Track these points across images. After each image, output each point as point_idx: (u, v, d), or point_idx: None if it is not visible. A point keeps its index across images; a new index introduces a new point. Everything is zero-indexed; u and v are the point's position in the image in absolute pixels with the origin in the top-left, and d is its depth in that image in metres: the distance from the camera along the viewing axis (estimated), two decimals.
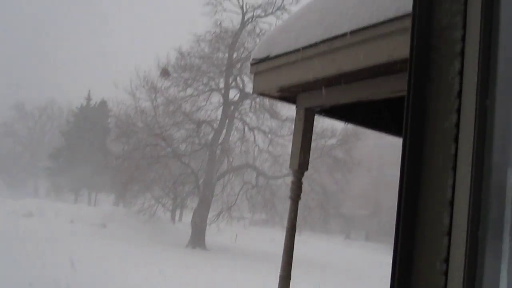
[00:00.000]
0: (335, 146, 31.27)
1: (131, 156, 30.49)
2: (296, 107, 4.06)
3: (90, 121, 56.68)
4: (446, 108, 1.13)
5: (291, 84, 3.80)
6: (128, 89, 32.08)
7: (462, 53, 1.11)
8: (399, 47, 2.92)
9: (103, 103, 58.30)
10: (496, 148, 1.03)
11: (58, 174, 57.82)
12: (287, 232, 4.03)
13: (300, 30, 3.72)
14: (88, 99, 61.15)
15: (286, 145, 31.37)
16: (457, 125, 1.11)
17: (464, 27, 1.11)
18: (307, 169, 4.03)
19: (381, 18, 3.02)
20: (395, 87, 3.24)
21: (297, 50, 3.62)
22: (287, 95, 4.11)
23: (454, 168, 1.10)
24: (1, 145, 69.42)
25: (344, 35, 3.26)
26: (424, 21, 1.18)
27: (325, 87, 3.72)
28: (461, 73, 1.11)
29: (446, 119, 1.12)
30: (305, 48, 3.56)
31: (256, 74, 4.05)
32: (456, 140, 1.10)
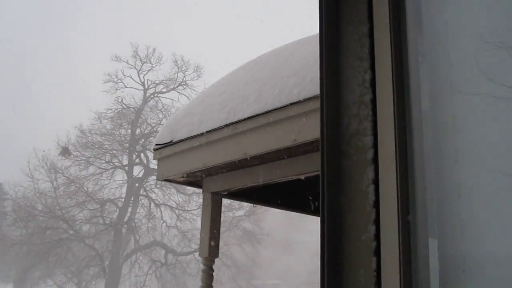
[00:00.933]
0: (243, 218, 31.17)
1: (30, 241, 28.76)
2: (203, 192, 3.94)
3: None
4: (363, 219, 1.05)
5: (196, 169, 3.68)
6: (25, 170, 30.66)
7: (376, 160, 1.04)
8: (303, 130, 2.91)
9: None
10: (422, 264, 0.96)
11: None
12: None
13: (203, 114, 3.65)
14: None
15: (194, 219, 30.86)
16: (377, 237, 1.03)
17: (375, 133, 1.05)
18: (217, 255, 3.86)
19: (284, 101, 3.02)
20: (301, 169, 3.22)
21: (200, 135, 3.54)
22: (192, 180, 3.99)
23: (379, 284, 1.01)
24: None
25: (247, 118, 3.23)
26: (331, 126, 1.11)
27: (230, 171, 3.65)
28: (376, 182, 1.04)
29: (364, 231, 1.05)
30: (208, 132, 3.48)
31: (160, 160, 3.91)
32: (377, 253, 1.02)
